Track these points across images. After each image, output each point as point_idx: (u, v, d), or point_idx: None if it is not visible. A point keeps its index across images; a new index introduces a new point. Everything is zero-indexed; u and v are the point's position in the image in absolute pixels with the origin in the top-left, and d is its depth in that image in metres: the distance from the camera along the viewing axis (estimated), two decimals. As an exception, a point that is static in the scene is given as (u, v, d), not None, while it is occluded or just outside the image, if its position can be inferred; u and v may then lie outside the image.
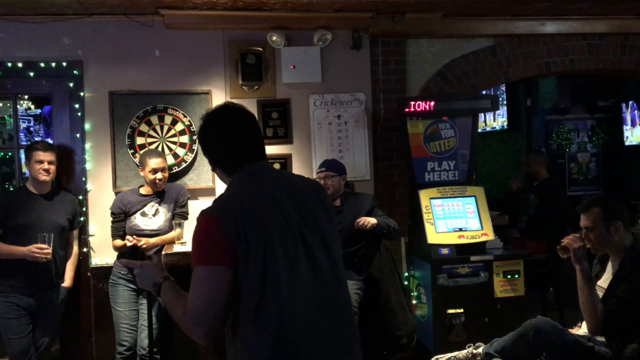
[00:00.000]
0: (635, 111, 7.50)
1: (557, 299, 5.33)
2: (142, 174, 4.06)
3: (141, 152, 4.31)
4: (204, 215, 1.78)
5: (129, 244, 3.83)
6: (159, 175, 3.98)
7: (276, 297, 1.71)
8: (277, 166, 4.61)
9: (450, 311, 4.11)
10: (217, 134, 1.91)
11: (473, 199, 4.39)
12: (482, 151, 8.66)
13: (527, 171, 5.67)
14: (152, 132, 4.45)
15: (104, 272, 4.27)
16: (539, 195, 5.43)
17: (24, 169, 4.17)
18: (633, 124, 7.54)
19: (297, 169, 4.61)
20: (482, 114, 8.42)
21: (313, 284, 1.78)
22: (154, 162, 3.97)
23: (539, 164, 5.55)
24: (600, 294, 2.99)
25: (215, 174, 2.01)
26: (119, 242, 3.98)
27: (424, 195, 4.32)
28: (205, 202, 4.50)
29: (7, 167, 5.76)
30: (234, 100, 4.52)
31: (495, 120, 8.47)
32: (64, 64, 4.37)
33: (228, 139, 1.90)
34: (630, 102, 7.51)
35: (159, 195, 4.08)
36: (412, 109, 4.35)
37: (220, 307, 1.70)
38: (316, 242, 1.82)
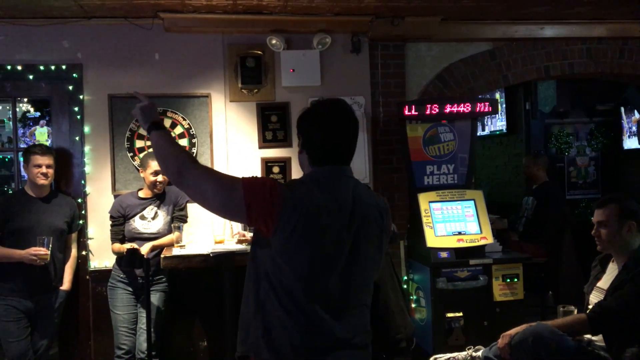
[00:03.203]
0: (630, 121, 7.52)
1: (556, 303, 5.32)
2: (142, 175, 4.06)
3: (142, 154, 4.31)
4: (275, 181, 1.87)
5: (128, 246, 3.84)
6: (159, 178, 3.98)
7: (289, 293, 1.81)
8: (276, 170, 4.61)
9: (450, 315, 4.11)
10: (320, 125, 1.95)
11: (472, 202, 4.39)
12: (481, 155, 8.66)
13: (525, 173, 5.67)
14: (151, 135, 4.44)
15: (103, 275, 4.26)
16: (537, 199, 5.43)
17: (24, 172, 4.17)
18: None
19: (296, 172, 4.60)
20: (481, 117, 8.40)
21: (329, 295, 1.84)
22: (155, 164, 3.96)
23: (536, 166, 5.55)
24: (601, 295, 3.00)
25: (298, 157, 2.03)
26: (117, 246, 3.97)
27: (423, 199, 4.32)
28: (205, 206, 4.49)
29: (6, 170, 5.75)
30: (234, 104, 4.55)
31: (492, 124, 8.47)
32: (64, 67, 4.37)
33: (327, 133, 1.93)
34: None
35: (158, 198, 4.08)
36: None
37: (213, 199, 1.86)
38: (348, 260, 1.86)
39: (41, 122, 4.94)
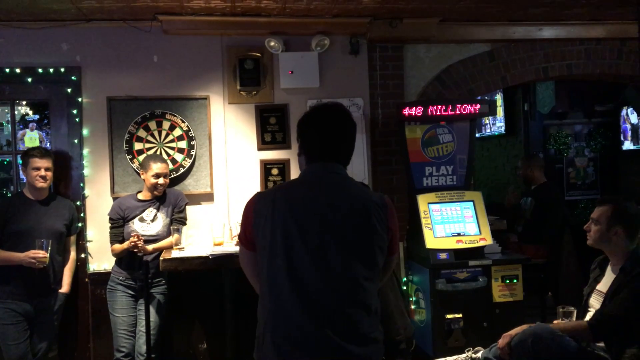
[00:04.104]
0: (627, 125, 7.53)
1: (555, 304, 5.32)
2: (142, 177, 4.06)
3: (143, 156, 4.31)
4: (252, 197, 2.04)
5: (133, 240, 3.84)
6: (160, 180, 3.99)
7: (274, 289, 1.88)
8: (275, 172, 4.61)
9: (449, 316, 4.11)
10: (314, 125, 2.06)
11: (471, 203, 4.39)
12: (480, 156, 8.65)
13: (521, 175, 5.69)
14: (150, 138, 4.45)
15: (102, 277, 4.26)
16: (535, 200, 5.43)
17: (22, 175, 4.16)
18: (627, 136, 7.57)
19: (295, 174, 4.60)
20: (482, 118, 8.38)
21: (318, 290, 1.85)
22: (157, 167, 3.97)
23: (531, 167, 5.56)
24: (600, 298, 3.00)
25: (298, 161, 2.15)
26: (117, 246, 3.97)
27: (422, 200, 4.32)
28: (205, 208, 4.50)
29: (5, 172, 5.74)
30: (232, 106, 4.55)
31: (490, 129, 8.47)
32: (62, 69, 4.37)
33: (320, 133, 2.03)
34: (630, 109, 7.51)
35: (158, 200, 4.08)
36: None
37: (249, 277, 2.10)
38: (338, 255, 1.88)
39: (30, 125, 4.89)
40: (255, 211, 1.95)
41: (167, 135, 4.47)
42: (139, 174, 4.25)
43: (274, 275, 1.86)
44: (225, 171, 4.58)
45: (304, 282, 1.83)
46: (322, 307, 1.83)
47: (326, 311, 1.83)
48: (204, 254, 3.70)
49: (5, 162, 5.58)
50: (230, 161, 4.60)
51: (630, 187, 7.53)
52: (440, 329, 4.12)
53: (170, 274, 4.08)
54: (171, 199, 4.13)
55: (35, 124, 4.94)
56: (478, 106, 4.45)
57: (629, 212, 2.99)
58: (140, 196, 4.10)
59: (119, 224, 4.01)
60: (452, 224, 4.31)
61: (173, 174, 4.42)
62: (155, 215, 4.04)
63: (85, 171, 4.40)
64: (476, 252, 4.22)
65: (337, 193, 1.95)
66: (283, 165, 4.62)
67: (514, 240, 5.41)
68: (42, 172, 3.84)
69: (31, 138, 4.72)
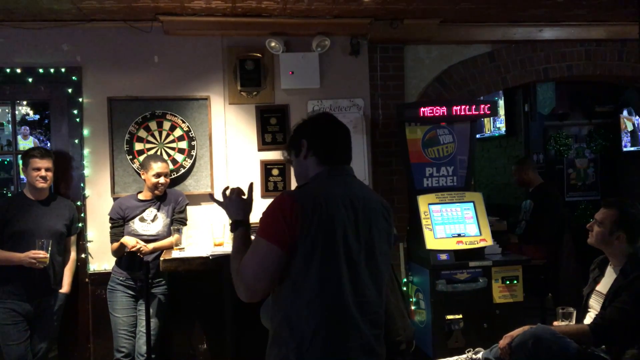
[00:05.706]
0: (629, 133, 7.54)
1: (555, 305, 5.31)
2: (143, 177, 4.06)
3: (143, 156, 4.32)
4: (286, 194, 1.91)
5: (130, 243, 3.85)
6: (161, 180, 3.99)
7: (319, 291, 1.83)
8: (275, 172, 4.61)
9: (449, 317, 4.11)
10: (324, 129, 2.10)
11: (471, 204, 4.38)
12: (481, 157, 8.65)
13: (517, 181, 5.71)
14: (150, 138, 4.45)
15: (102, 278, 4.26)
16: (534, 201, 5.44)
17: (22, 175, 4.17)
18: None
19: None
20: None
21: (356, 292, 1.88)
22: (158, 166, 3.98)
23: (524, 170, 5.58)
24: (600, 299, 3.00)
25: (298, 165, 2.11)
26: (116, 244, 3.97)
27: (423, 201, 4.32)
28: (205, 208, 4.50)
29: (6, 172, 5.75)
30: (233, 106, 4.56)
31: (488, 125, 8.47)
32: (63, 69, 4.38)
33: (331, 135, 2.08)
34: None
35: (158, 200, 4.08)
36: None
37: (264, 279, 1.86)
38: (368, 255, 1.92)
39: (23, 128, 4.86)
40: (302, 211, 1.83)
41: (167, 135, 4.47)
42: (139, 174, 4.26)
43: (330, 277, 1.84)
44: (226, 172, 4.58)
45: (360, 283, 1.89)
46: (370, 307, 1.91)
47: (369, 311, 1.91)
48: (204, 255, 3.70)
49: (6, 162, 5.59)
50: (230, 162, 4.60)
51: (630, 188, 7.54)
52: (440, 329, 4.12)
53: (170, 275, 4.09)
54: (171, 199, 4.13)
55: (28, 130, 4.91)
56: (482, 106, 4.45)
57: (633, 219, 2.99)
58: (140, 196, 4.10)
59: (119, 224, 4.01)
60: (452, 224, 4.31)
61: (173, 175, 4.42)
62: (156, 215, 4.05)
63: (86, 171, 4.41)
64: (476, 253, 4.22)
65: (365, 195, 2.01)
66: (283, 166, 4.62)
67: (514, 241, 5.41)
68: (43, 173, 3.84)
69: (24, 148, 4.70)
